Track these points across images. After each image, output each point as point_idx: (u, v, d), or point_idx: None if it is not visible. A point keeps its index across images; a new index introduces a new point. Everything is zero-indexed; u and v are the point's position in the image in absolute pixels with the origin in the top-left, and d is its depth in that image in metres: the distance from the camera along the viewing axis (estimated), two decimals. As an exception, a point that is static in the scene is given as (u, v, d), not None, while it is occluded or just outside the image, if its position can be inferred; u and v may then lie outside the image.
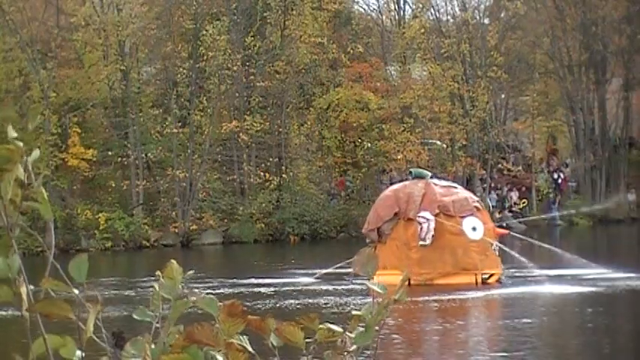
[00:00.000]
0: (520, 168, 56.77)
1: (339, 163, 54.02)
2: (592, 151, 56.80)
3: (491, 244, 27.57)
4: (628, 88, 58.03)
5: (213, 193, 50.09)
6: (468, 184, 49.39)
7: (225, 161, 51.29)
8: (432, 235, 27.06)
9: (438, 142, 56.06)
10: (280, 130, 51.63)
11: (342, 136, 54.19)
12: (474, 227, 27.47)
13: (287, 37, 52.02)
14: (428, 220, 27.11)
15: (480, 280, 27.17)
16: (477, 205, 28.77)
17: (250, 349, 2.49)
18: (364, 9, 61.82)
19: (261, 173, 50.67)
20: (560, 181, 56.44)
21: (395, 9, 59.98)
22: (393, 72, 58.45)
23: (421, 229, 27.12)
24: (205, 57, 49.76)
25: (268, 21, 51.85)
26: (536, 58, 58.77)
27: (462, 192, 29.36)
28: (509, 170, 55.79)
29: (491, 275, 27.46)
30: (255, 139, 50.30)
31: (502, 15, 59.71)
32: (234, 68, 50.16)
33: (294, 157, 52.68)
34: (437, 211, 27.38)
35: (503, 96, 60.19)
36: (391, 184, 54.08)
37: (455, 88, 54.79)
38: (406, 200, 27.63)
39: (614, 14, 56.17)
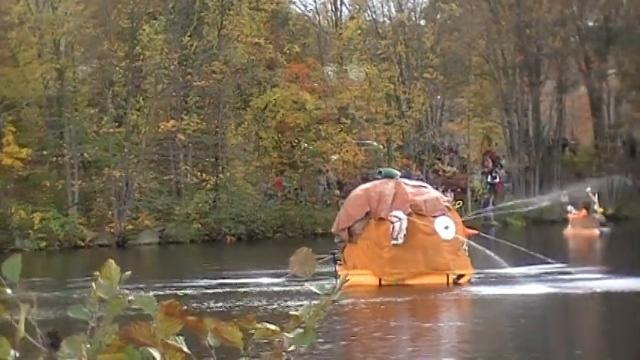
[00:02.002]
0: (455, 169, 57.17)
1: (276, 163, 53.99)
2: (526, 152, 57.39)
3: (463, 244, 27.65)
4: (561, 90, 58.73)
5: (149, 192, 49.77)
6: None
7: (162, 161, 51.01)
8: (405, 235, 26.99)
9: (374, 143, 56.28)
10: (217, 130, 51.46)
11: (279, 136, 54.17)
12: (447, 227, 27.49)
13: (224, 37, 51.87)
14: (400, 219, 27.02)
15: (451, 281, 27.22)
16: (448, 204, 28.87)
17: (186, 349, 2.48)
18: (301, 9, 61.90)
19: (198, 173, 50.47)
20: (494, 182, 56.92)
21: (332, 10, 60.18)
22: (330, 73, 58.56)
23: (393, 228, 27.03)
24: (142, 56, 49.46)
25: (205, 21, 51.67)
26: (471, 60, 59.23)
27: (432, 192, 29.40)
28: (444, 171, 56.15)
29: (462, 276, 27.51)
30: (192, 139, 50.08)
31: (438, 17, 60.13)
32: (171, 68, 49.92)
33: (231, 157, 52.55)
34: (409, 210, 27.32)
35: (439, 97, 60.59)
36: (328, 184, 54.35)
37: (391, 89, 55.05)
38: (377, 199, 27.53)
39: (547, 17, 56.80)
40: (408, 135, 56.25)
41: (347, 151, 53.33)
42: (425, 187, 29.92)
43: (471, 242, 27.92)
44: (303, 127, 53.78)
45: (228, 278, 29.46)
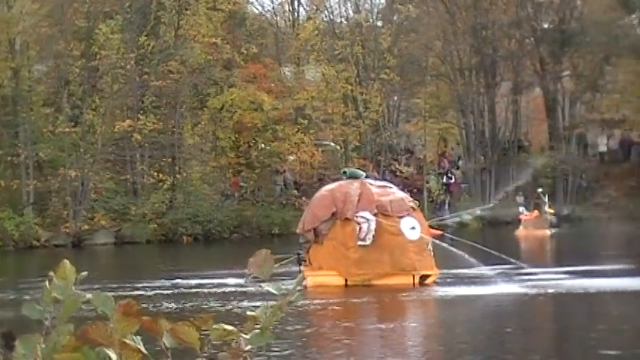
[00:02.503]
0: (412, 169, 57.36)
1: (233, 163, 53.90)
2: (482, 153, 57.68)
3: (428, 245, 27.73)
4: (517, 92, 59.09)
5: (105, 192, 49.51)
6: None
7: (118, 161, 50.75)
8: (373, 236, 26.99)
9: (332, 144, 56.34)
10: (174, 130, 51.29)
11: (236, 136, 54.09)
12: (413, 227, 27.54)
13: (181, 36, 51.72)
14: (368, 220, 26.99)
15: (417, 281, 27.29)
16: (413, 205, 28.93)
17: (143, 349, 2.48)
18: (259, 10, 61.85)
19: (155, 173, 50.26)
20: (449, 182, 57.16)
21: (289, 10, 60.16)
22: (287, 73, 58.56)
23: (360, 229, 26.99)
24: (98, 56, 49.20)
25: (162, 20, 51.49)
26: (428, 61, 59.44)
27: (397, 192, 29.43)
28: (401, 172, 56.31)
29: (428, 276, 27.59)
30: (148, 139, 49.86)
31: (395, 18, 60.31)
32: (128, 67, 49.67)
33: (187, 157, 52.39)
34: (375, 211, 27.34)
35: (395, 98, 60.79)
36: (285, 185, 54.33)
37: (348, 90, 55.15)
38: (343, 200, 27.49)
39: (503, 19, 57.13)
40: (364, 136, 56.38)
41: (304, 151, 53.35)
42: (390, 187, 29.96)
43: (443, 243, 28.13)
44: (260, 127, 53.73)
45: (184, 279, 29.37)
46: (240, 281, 26.53)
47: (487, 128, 58.36)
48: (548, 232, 46.27)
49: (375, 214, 27.13)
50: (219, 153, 53.76)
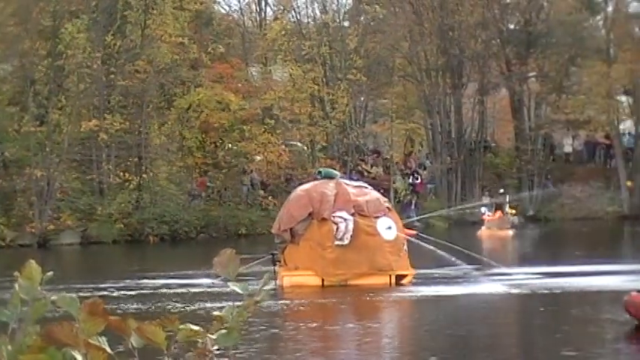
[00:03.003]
0: (379, 170, 57.46)
1: (200, 163, 53.79)
2: (449, 153, 57.86)
3: (403, 245, 27.81)
4: (483, 93, 59.32)
5: (71, 192, 49.27)
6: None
7: (84, 160, 50.52)
8: (350, 236, 26.99)
9: (299, 144, 56.38)
10: (140, 129, 51.11)
11: (203, 136, 53.98)
12: (389, 227, 27.59)
13: (148, 36, 51.53)
14: (346, 219, 26.99)
15: (393, 281, 27.34)
16: (388, 205, 29.00)
17: (109, 349, 2.48)
18: (225, 9, 61.75)
19: (121, 173, 50.07)
20: (416, 183, 57.29)
21: (256, 10, 60.12)
22: (254, 73, 58.53)
23: (337, 228, 27.00)
24: (64, 55, 48.95)
25: (129, 20, 51.28)
26: (395, 62, 59.57)
27: (373, 192, 29.51)
28: (368, 172, 56.39)
29: (405, 276, 27.64)
30: (114, 139, 49.68)
31: (362, 18, 60.42)
32: (94, 67, 49.47)
33: (154, 157, 52.22)
34: (352, 211, 27.35)
35: (362, 98, 60.87)
36: (252, 185, 54.26)
37: (315, 90, 55.18)
38: (320, 200, 27.47)
39: (470, 20, 57.33)
40: (331, 136, 56.43)
41: (271, 151, 53.33)
42: (365, 187, 30.04)
43: (422, 242, 28.25)
44: (227, 127, 53.65)
45: (150, 279, 29.28)
46: (207, 281, 26.50)
47: (453, 129, 58.56)
48: (510, 232, 46.64)
49: (352, 214, 27.19)
50: (185, 153, 53.63)
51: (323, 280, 27.24)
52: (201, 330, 2.68)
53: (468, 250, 29.96)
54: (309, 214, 27.46)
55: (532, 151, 58.40)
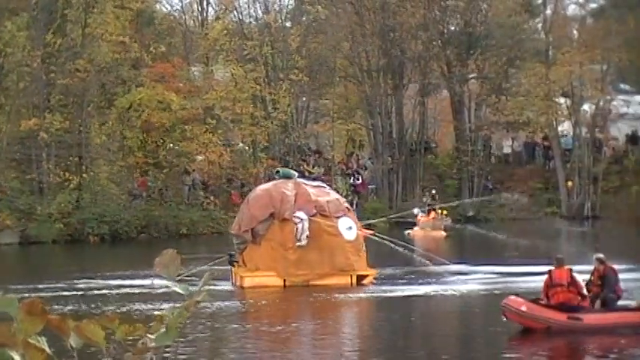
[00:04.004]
0: (320, 170, 57.49)
1: (141, 163, 53.46)
2: (390, 154, 58.07)
3: (362, 245, 27.83)
4: (424, 94, 59.60)
5: (10, 192, 48.73)
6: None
7: (24, 160, 50.00)
8: (307, 236, 26.90)
9: (241, 144, 56.27)
10: (81, 129, 50.69)
11: (144, 136, 53.67)
12: (350, 227, 27.57)
13: (88, 35, 51.12)
14: (302, 219, 26.93)
15: (354, 282, 27.33)
16: (347, 205, 29.02)
17: (48, 349, 2.50)
18: (167, 9, 61.47)
19: (61, 172, 49.61)
20: (357, 183, 57.40)
21: (198, 10, 59.89)
22: (195, 73, 58.29)
23: (297, 229, 26.94)
24: (4, 53, 48.41)
25: (69, 18, 50.83)
26: (336, 62, 59.66)
27: (332, 192, 29.52)
28: (310, 172, 56.40)
29: (366, 276, 27.65)
30: (55, 138, 49.22)
31: (304, 19, 60.44)
32: (34, 65, 48.98)
33: (95, 156, 51.83)
34: (314, 211, 27.25)
35: (304, 98, 60.88)
36: (193, 185, 54.02)
37: (257, 90, 55.08)
38: (280, 200, 27.34)
39: (411, 21, 57.57)
40: (273, 136, 56.36)
41: (212, 151, 53.16)
42: (324, 187, 30.03)
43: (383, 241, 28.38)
44: (169, 127, 53.40)
45: (89, 280, 29.06)
46: (147, 282, 26.37)
47: (394, 129, 58.78)
48: (443, 233, 46.95)
49: (313, 215, 27.16)
50: (126, 152, 53.28)
51: (284, 280, 27.19)
52: (140, 326, 2.71)
53: (421, 249, 30.18)
54: (271, 215, 27.37)
55: (472, 152, 58.78)
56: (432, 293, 25.46)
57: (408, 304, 24.32)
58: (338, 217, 27.63)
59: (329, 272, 27.16)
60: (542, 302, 19.75)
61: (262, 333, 20.76)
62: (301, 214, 26.96)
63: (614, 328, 19.26)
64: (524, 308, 19.49)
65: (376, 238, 29.06)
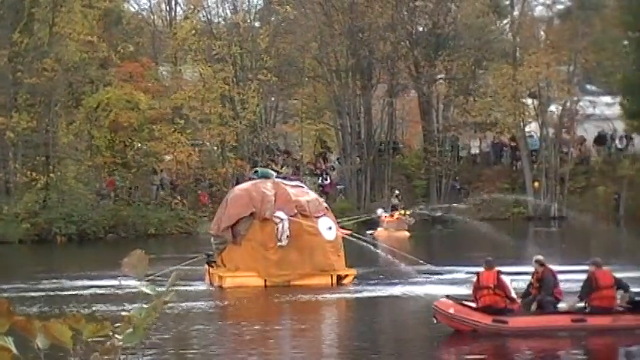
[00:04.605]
0: (289, 170, 57.48)
1: (109, 162, 53.26)
2: (358, 154, 58.15)
3: (341, 245, 27.83)
4: (392, 94, 59.70)
5: (-24, 192, 48.44)
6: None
7: (-10, 159, 49.71)
8: (288, 236, 26.85)
9: (208, 144, 56.14)
10: (48, 128, 50.45)
11: (112, 135, 53.48)
12: (329, 227, 27.55)
13: (56, 34, 50.87)
14: (282, 219, 26.86)
15: (335, 282, 27.32)
16: (326, 205, 29.00)
17: (14, 349, 2.51)
18: (135, 8, 61.26)
19: (28, 172, 49.35)
20: (325, 183, 57.43)
21: (166, 9, 59.74)
22: (164, 72, 58.13)
23: (277, 229, 26.87)
24: (-31, 52, 48.15)
25: (36, 17, 50.57)
26: (305, 62, 59.68)
27: (311, 192, 29.50)
28: (278, 172, 56.35)
29: (346, 276, 27.64)
30: (21, 137, 48.96)
31: (272, 19, 60.39)
32: (1, 64, 48.70)
33: (62, 156, 51.59)
34: (295, 211, 27.20)
35: (273, 99, 60.86)
36: (161, 184, 53.86)
37: (225, 90, 55.00)
38: (260, 199, 27.24)
39: (379, 21, 57.66)
40: (242, 136, 56.28)
41: (181, 151, 53.03)
42: (302, 187, 30.01)
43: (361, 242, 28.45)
44: (137, 126, 53.23)
45: (56, 280, 28.92)
46: (114, 282, 26.28)
47: (363, 130, 58.86)
48: (407, 233, 47.00)
49: (294, 215, 27.12)
50: (94, 152, 53.06)
51: (265, 280, 27.15)
52: (107, 324, 2.72)
53: (395, 249, 30.24)
54: (252, 214, 27.30)
55: (440, 152, 58.95)
56: (400, 294, 25.50)
57: (390, 304, 24.42)
58: (318, 217, 27.64)
59: (310, 272, 27.18)
60: (471, 305, 19.69)
61: (231, 334, 20.76)
62: (281, 214, 26.93)
63: (540, 332, 19.23)
64: (452, 310, 19.49)
65: (353, 239, 29.11)
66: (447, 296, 20.46)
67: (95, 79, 53.23)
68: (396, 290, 25.88)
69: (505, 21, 64.08)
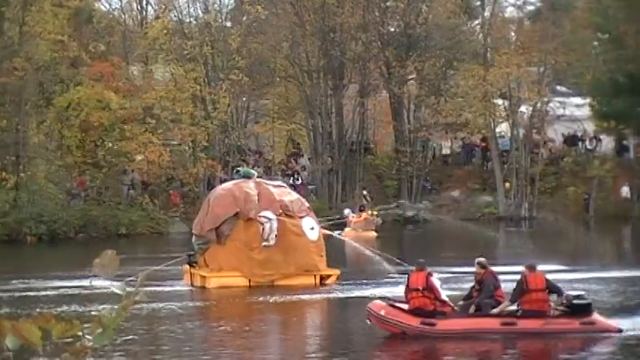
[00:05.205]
0: (261, 170, 57.45)
1: (80, 162, 53.05)
2: (330, 154, 58.22)
3: (324, 245, 27.82)
4: (363, 95, 59.76)
5: (-55, 192, 48.15)
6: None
7: (-41, 159, 49.44)
8: (276, 236, 26.79)
9: (175, 142, 56.07)
10: (18, 127, 50.21)
11: (83, 135, 53.26)
12: (312, 227, 27.53)
13: (26, 33, 50.64)
14: (270, 219, 26.78)
15: (318, 282, 27.31)
16: (308, 205, 28.96)
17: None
18: (106, 7, 61.04)
19: (-2, 172, 49.13)
20: (296, 183, 57.43)
21: (137, 9, 59.58)
22: (135, 72, 57.94)
23: (264, 229, 26.79)
24: (-62, 51, 47.84)
25: (6, 16, 50.33)
26: (276, 62, 59.68)
27: (293, 192, 29.45)
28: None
29: (329, 276, 27.63)
30: (-9, 137, 48.74)
31: (244, 19, 60.30)
32: (-30, 63, 48.46)
33: (32, 155, 51.36)
34: (280, 210, 27.14)
35: (244, 99, 60.83)
36: (132, 184, 53.73)
37: (197, 90, 54.92)
38: (244, 199, 27.15)
39: (350, 22, 57.73)
40: (213, 136, 56.21)
41: (152, 151, 52.89)
42: (284, 186, 29.97)
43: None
44: (108, 126, 53.04)
45: (25, 280, 28.79)
46: (85, 283, 26.20)
47: (334, 130, 58.91)
48: (374, 233, 47.01)
49: (279, 214, 27.07)
50: (65, 152, 52.84)
51: (250, 280, 27.12)
52: (77, 323, 2.74)
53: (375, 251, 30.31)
54: (236, 214, 27.23)
55: (411, 153, 59.10)
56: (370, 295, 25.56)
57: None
58: (301, 217, 27.63)
59: (294, 272, 27.17)
60: (403, 307, 19.71)
61: (203, 334, 20.76)
62: (269, 214, 26.87)
63: (469, 334, 19.25)
64: (383, 312, 19.55)
65: (337, 238, 29.20)
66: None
67: (66, 78, 53.00)
68: (377, 291, 25.93)
69: (476, 22, 64.34)
